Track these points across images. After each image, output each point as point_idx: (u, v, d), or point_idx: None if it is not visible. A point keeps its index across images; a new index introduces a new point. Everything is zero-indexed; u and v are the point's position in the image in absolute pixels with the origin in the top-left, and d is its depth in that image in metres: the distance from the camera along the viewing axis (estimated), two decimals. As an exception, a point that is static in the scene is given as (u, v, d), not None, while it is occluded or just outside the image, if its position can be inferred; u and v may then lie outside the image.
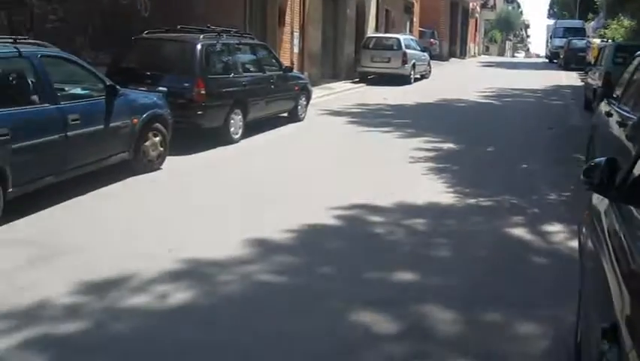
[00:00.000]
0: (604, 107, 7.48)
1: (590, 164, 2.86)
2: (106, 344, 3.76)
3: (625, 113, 6.15)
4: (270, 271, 4.91)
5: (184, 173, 8.14)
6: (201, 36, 10.21)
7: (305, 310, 4.28)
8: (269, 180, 7.84)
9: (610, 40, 21.14)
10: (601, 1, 50.03)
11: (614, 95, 7.29)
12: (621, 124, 6.05)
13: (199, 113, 9.60)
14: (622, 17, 37.33)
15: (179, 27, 10.87)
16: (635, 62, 7.17)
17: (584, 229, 3.42)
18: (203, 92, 9.59)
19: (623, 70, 8.27)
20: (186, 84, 9.61)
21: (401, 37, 23.67)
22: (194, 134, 9.69)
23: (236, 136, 10.37)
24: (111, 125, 7.33)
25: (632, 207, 2.57)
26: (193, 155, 9.15)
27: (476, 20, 57.81)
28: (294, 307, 4.30)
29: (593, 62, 18.16)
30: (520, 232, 6.07)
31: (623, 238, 2.43)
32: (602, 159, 2.83)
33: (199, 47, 9.84)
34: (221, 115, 10.00)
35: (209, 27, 10.95)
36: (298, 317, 4.16)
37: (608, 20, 41.07)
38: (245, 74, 11.05)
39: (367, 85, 21.53)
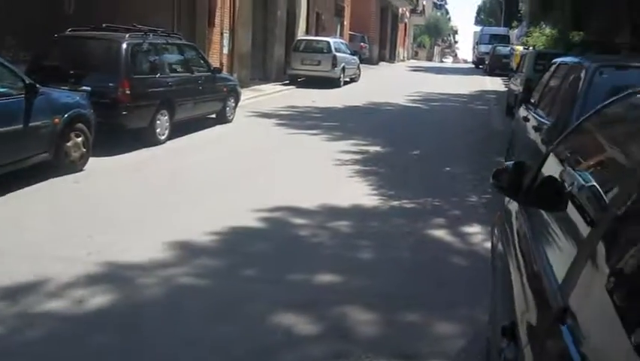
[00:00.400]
0: (522, 112, 7.73)
1: (499, 167, 2.95)
2: (18, 350, 3.64)
3: (540, 119, 6.37)
4: (192, 274, 4.87)
5: (107, 174, 7.98)
6: (127, 35, 10.02)
7: (226, 313, 4.26)
8: (194, 182, 7.76)
9: (531, 48, 21.82)
10: (525, 10, 51.67)
11: (532, 101, 7.55)
12: (537, 129, 6.26)
13: (124, 113, 9.42)
14: (544, 26, 38.70)
15: (104, 25, 10.64)
16: (552, 69, 7.44)
17: (495, 231, 3.54)
18: (128, 92, 9.41)
19: (542, 76, 8.57)
20: (111, 84, 9.41)
21: (331, 40, 23.85)
22: (119, 134, 9.51)
23: (163, 137, 10.23)
24: (30, 124, 7.11)
25: (537, 210, 2.67)
26: (117, 156, 8.98)
27: (405, 25, 58.81)
28: (215, 311, 4.28)
29: (515, 69, 18.77)
30: (441, 233, 6.21)
31: (527, 240, 2.53)
32: (511, 162, 2.93)
33: (124, 45, 9.66)
34: (147, 116, 9.85)
35: (135, 26, 10.77)
36: (218, 321, 4.14)
37: (530, 28, 42.48)
38: (172, 74, 10.92)
39: (297, 87, 21.59)
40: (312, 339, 3.96)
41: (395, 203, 7.17)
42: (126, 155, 9.14)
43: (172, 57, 11.32)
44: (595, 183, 2.18)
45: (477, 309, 4.37)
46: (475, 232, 6.22)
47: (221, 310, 4.30)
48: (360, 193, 7.48)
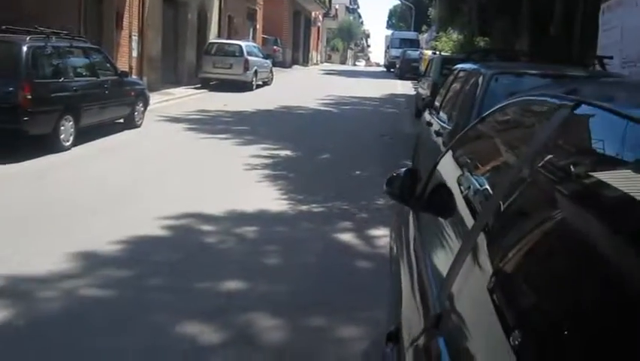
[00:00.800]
0: (426, 116, 7.95)
1: (392, 174, 3.04)
2: None
3: (442, 123, 6.58)
4: (96, 286, 4.76)
5: (7, 182, 7.68)
6: (28, 37, 9.68)
7: (130, 324, 4.18)
8: (98, 190, 7.58)
9: (439, 53, 22.47)
10: (434, 15, 53.15)
11: (435, 105, 7.78)
12: (438, 133, 6.46)
13: (25, 119, 9.10)
14: (451, 31, 39.91)
15: (3, 27, 10.23)
16: (453, 75, 7.69)
17: (392, 235, 3.64)
18: (29, 96, 9.10)
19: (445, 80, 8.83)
20: (10, 88, 9.07)
21: (243, 43, 23.79)
22: (21, 141, 9.18)
23: (67, 143, 9.94)
24: None
25: (429, 215, 2.77)
26: (18, 163, 8.65)
27: (319, 29, 59.31)
28: (119, 322, 4.20)
29: (423, 73, 19.27)
30: (348, 237, 6.31)
31: (416, 245, 2.63)
32: (403, 169, 3.02)
33: (25, 48, 9.33)
34: (50, 121, 9.55)
35: (37, 28, 10.41)
36: (122, 332, 4.06)
37: (439, 33, 43.72)
38: (77, 78, 10.60)
39: (209, 91, 21.42)
40: (217, 347, 3.95)
41: (303, 207, 7.23)
42: (28, 162, 8.82)
43: (76, 61, 11.00)
44: (487, 187, 2.28)
45: (380, 312, 4.47)
46: (381, 234, 6.35)
47: (125, 321, 4.22)
48: (269, 198, 7.50)
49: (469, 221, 2.13)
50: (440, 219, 2.57)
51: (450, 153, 3.08)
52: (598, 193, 1.37)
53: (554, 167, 1.64)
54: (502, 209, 1.81)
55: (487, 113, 2.77)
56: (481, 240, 1.80)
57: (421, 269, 2.34)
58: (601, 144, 1.52)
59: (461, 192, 2.46)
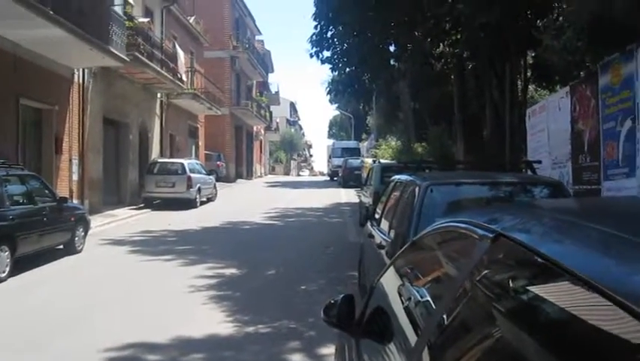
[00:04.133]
0: (368, 228, 8.03)
1: (330, 301, 3.02)
2: None
3: (382, 235, 6.65)
4: None
5: None
6: (-38, 169, 9.54)
7: None
8: (35, 323, 7.26)
9: (379, 160, 23.05)
10: (372, 124, 54.98)
11: (375, 216, 7.88)
12: (380, 246, 6.51)
13: (-43, 252, 8.81)
14: (390, 138, 41.24)
15: (-64, 159, 10.09)
16: (390, 186, 7.85)
17: (336, 357, 3.58)
18: (-39, 229, 8.85)
19: (383, 191, 9.00)
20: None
21: (185, 161, 23.94)
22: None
23: (3, 274, 9.62)
24: None
25: (368, 340, 2.74)
26: (-53, 300, 8.28)
27: (261, 142, 60.37)
28: None
29: (365, 181, 19.65)
30: (297, 358, 6.15)
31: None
32: (340, 296, 3.01)
33: (-42, 180, 9.16)
34: (-16, 253, 9.26)
35: (-28, 159, 10.30)
36: None
37: (379, 140, 45.11)
38: (13, 207, 10.41)
39: (152, 210, 21.29)
40: None
41: (250, 329, 7.06)
42: (-41, 298, 8.45)
43: (13, 189, 10.83)
44: (429, 298, 2.29)
45: None
46: (331, 353, 6.19)
47: None
48: (215, 321, 7.32)
49: (413, 339, 2.13)
50: (380, 344, 2.55)
51: (392, 270, 3.10)
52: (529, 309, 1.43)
53: (480, 291, 1.69)
54: (443, 327, 1.83)
55: (419, 235, 2.82)
56: (425, 356, 1.82)
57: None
58: (517, 274, 1.59)
59: (404, 309, 2.47)
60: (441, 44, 18.73)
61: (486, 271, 1.73)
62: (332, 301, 2.97)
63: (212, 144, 38.24)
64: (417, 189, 6.02)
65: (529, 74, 18.64)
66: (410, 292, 2.58)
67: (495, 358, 1.43)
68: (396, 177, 7.79)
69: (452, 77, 21.10)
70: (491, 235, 1.74)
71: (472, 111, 20.18)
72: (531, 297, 1.40)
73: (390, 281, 3.04)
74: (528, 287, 1.46)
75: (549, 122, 11.96)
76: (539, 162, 9.31)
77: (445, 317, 1.87)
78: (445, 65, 20.71)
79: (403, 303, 2.56)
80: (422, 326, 2.12)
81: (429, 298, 2.34)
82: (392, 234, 6.31)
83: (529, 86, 19.61)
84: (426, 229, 2.73)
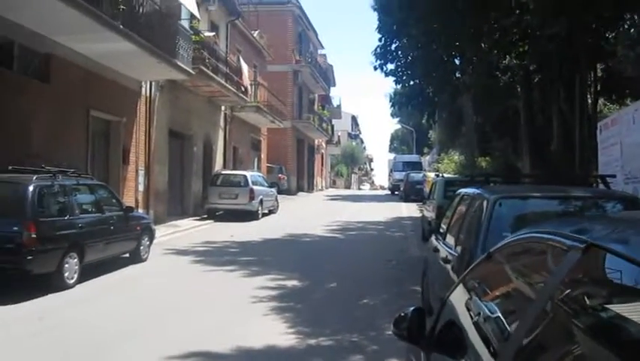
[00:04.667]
0: (433, 242, 7.87)
1: (400, 314, 2.93)
2: None
3: (448, 250, 6.49)
4: None
5: (5, 325, 7.48)
6: (34, 177, 9.83)
7: None
8: (100, 329, 7.37)
9: (442, 174, 22.74)
10: (434, 138, 54.47)
11: (440, 230, 7.71)
12: (445, 260, 6.36)
13: (29, 258, 9.07)
14: (452, 152, 40.73)
15: (10, 168, 10.42)
16: (456, 200, 7.67)
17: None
18: (34, 235, 9.11)
19: (449, 204, 8.81)
20: (15, 228, 9.10)
21: (248, 173, 24.16)
22: (24, 280, 9.09)
23: (72, 281, 9.83)
24: None
25: (439, 355, 2.64)
26: (20, 304, 8.50)
27: (322, 155, 60.50)
28: None
29: (428, 195, 19.41)
30: (358, 372, 6.05)
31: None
32: (411, 309, 2.91)
33: (31, 188, 9.45)
34: (55, 259, 9.50)
35: (43, 167, 10.61)
36: None
37: (441, 155, 44.62)
38: (82, 215, 10.66)
39: (215, 221, 21.52)
40: None
41: (312, 341, 6.99)
42: (30, 302, 8.66)
43: (82, 198, 11.12)
44: (499, 314, 2.18)
45: None
46: (393, 368, 6.10)
47: None
48: (277, 332, 7.28)
49: (485, 356, 2.03)
50: (452, 359, 2.44)
51: (461, 286, 2.98)
52: (619, 328, 1.29)
53: (573, 305, 1.56)
54: (524, 348, 1.71)
55: (495, 247, 2.69)
56: None
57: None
58: (615, 285, 1.46)
59: (474, 324, 2.36)
60: (507, 56, 18.40)
61: (576, 285, 1.61)
62: (402, 314, 2.88)
63: (274, 157, 38.56)
64: (485, 203, 5.86)
65: (598, 87, 18.12)
66: (485, 308, 2.46)
67: None
68: (463, 190, 7.61)
69: (518, 89, 20.67)
70: (582, 245, 1.61)
71: (538, 125, 19.72)
72: (631, 313, 1.27)
73: (462, 296, 2.92)
74: (627, 302, 1.32)
75: (622, 136, 11.51)
76: (613, 176, 8.96)
77: (526, 334, 1.74)
78: (512, 78, 20.33)
79: (475, 318, 2.45)
80: (497, 344, 2.01)
81: (505, 314, 2.22)
82: (459, 248, 6.15)
83: (599, 100, 19.06)
84: (504, 240, 2.60)
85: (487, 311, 2.34)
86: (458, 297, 2.96)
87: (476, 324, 2.42)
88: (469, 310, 2.67)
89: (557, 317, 1.63)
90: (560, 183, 8.95)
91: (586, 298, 1.52)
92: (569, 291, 1.63)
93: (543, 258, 2.06)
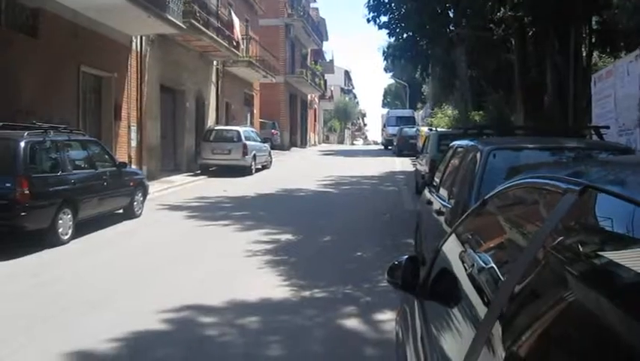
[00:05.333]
0: (426, 194, 7.89)
1: (394, 262, 2.94)
2: None
3: (442, 202, 6.50)
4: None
5: (1, 281, 7.52)
6: (26, 133, 9.74)
7: None
8: (96, 284, 7.42)
9: (435, 129, 22.67)
10: (428, 92, 54.22)
11: (434, 183, 7.72)
12: (439, 212, 6.38)
13: (22, 214, 9.07)
14: (446, 106, 40.58)
15: (1, 124, 10.33)
16: (450, 153, 7.66)
17: (397, 320, 3.50)
18: (27, 191, 9.08)
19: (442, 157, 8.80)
20: (7, 184, 9.06)
21: (241, 129, 24.06)
22: (18, 236, 9.11)
23: (66, 237, 9.85)
24: None
25: (433, 303, 2.65)
26: (14, 260, 8.54)
27: (315, 111, 60.25)
28: None
29: (421, 149, 19.39)
30: (353, 322, 6.11)
31: (423, 334, 2.50)
32: (404, 257, 2.92)
33: (22, 144, 9.37)
34: (48, 215, 9.49)
35: (34, 123, 10.52)
36: None
37: (434, 109, 44.45)
38: (75, 171, 10.62)
39: (208, 177, 21.51)
40: None
41: (306, 293, 7.06)
42: (24, 258, 8.69)
43: (74, 154, 11.04)
44: (493, 265, 2.18)
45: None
46: (387, 318, 6.15)
47: None
48: (271, 285, 7.34)
49: (480, 307, 2.03)
50: (446, 307, 2.45)
51: (453, 236, 2.98)
52: (612, 274, 1.29)
53: (566, 251, 1.56)
54: (516, 295, 1.71)
55: (489, 194, 2.68)
56: (497, 329, 1.69)
57: (428, 359, 2.22)
58: (610, 229, 1.45)
59: (468, 276, 2.36)
60: (502, 8, 18.18)
61: (572, 228, 1.60)
62: (396, 263, 2.89)
63: (266, 113, 38.37)
64: (478, 154, 5.85)
65: (593, 39, 17.98)
66: (479, 259, 2.47)
67: (583, 331, 1.29)
68: (456, 142, 7.59)
69: (513, 42, 20.50)
70: (578, 188, 1.59)
71: (531, 78, 19.61)
72: (626, 259, 1.25)
73: (456, 246, 2.93)
74: (622, 248, 1.30)
75: (617, 88, 11.48)
76: (607, 127, 8.93)
77: (519, 281, 1.74)
78: (506, 31, 20.12)
79: (469, 270, 2.45)
80: (490, 294, 2.01)
81: (499, 263, 2.22)
82: (452, 200, 6.17)
83: (593, 53, 18.93)
84: (499, 187, 2.59)
85: (480, 262, 2.35)
86: (451, 247, 2.97)
87: (470, 275, 2.42)
88: (462, 261, 2.68)
89: (551, 263, 1.63)
90: (553, 135, 8.95)
91: (580, 243, 1.51)
92: (563, 236, 1.62)
93: (538, 203, 2.06)
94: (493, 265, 2.21)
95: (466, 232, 2.94)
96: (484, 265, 2.27)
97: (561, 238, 1.62)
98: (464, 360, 1.80)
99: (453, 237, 3.01)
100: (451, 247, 2.92)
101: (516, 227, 2.32)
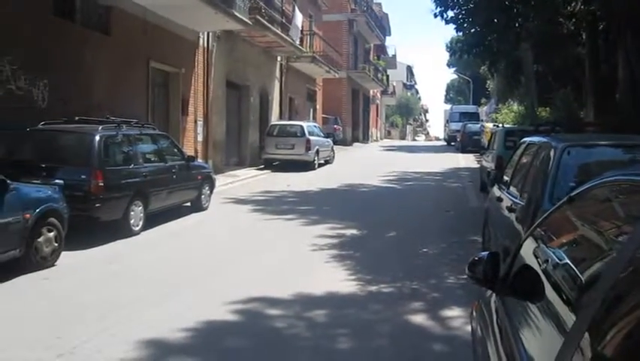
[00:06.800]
0: (495, 191, 7.78)
1: (474, 258, 2.93)
2: None
3: (513, 199, 6.41)
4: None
5: (79, 269, 7.81)
6: (100, 127, 10.06)
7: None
8: (167, 275, 7.62)
9: (501, 125, 22.29)
10: (492, 88, 53.28)
11: (504, 180, 7.61)
12: (510, 209, 6.28)
13: (97, 205, 9.37)
14: (511, 102, 39.78)
15: (77, 118, 10.70)
16: (521, 149, 7.53)
17: (474, 316, 3.48)
18: (101, 183, 9.38)
19: (512, 153, 8.66)
20: (83, 176, 9.38)
21: (304, 124, 24.19)
22: (93, 227, 9.42)
23: (137, 228, 10.13)
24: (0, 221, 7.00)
25: (513, 299, 2.63)
26: (90, 249, 8.84)
27: (377, 106, 60.02)
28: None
29: (486, 146, 19.09)
30: (420, 318, 6.10)
31: (506, 331, 2.48)
32: (485, 253, 2.90)
33: (97, 138, 9.68)
34: (121, 207, 9.78)
35: (108, 118, 10.85)
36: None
37: (499, 105, 43.63)
38: (146, 164, 10.89)
39: (272, 172, 21.73)
40: None
41: (372, 288, 7.07)
42: (99, 248, 8.99)
43: (145, 147, 11.33)
44: (573, 266, 2.15)
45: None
46: (455, 315, 6.13)
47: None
48: (337, 279, 7.38)
49: (563, 310, 1.99)
50: (530, 305, 2.43)
51: (536, 234, 2.94)
52: None
53: None
54: (609, 300, 1.66)
55: (576, 191, 2.63)
56: (586, 339, 1.65)
57: (515, 356, 2.20)
58: None
59: (548, 276, 2.33)
60: (573, 1, 17.69)
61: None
62: (477, 258, 2.88)
63: (329, 108, 38.45)
64: (552, 152, 5.74)
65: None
66: (555, 255, 2.43)
67: None
68: (528, 139, 7.45)
69: (583, 36, 19.93)
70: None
71: (602, 74, 19.03)
72: None
73: (534, 244, 2.89)
74: None
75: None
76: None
77: (612, 285, 1.68)
78: (575, 25, 19.57)
79: (546, 265, 2.42)
80: (569, 291, 1.98)
81: (580, 259, 2.19)
82: (524, 197, 6.07)
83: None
84: (588, 183, 2.53)
85: (559, 259, 2.31)
86: (530, 244, 2.93)
87: (545, 271, 2.39)
88: (537, 257, 2.65)
89: None
90: (626, 132, 8.68)
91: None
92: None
93: (630, 201, 2.01)
94: (570, 262, 2.18)
95: (547, 229, 2.89)
96: (561, 261, 2.24)
97: None
98: None
99: (535, 234, 2.97)
100: (530, 244, 2.89)
101: (604, 225, 2.27)
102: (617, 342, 1.50)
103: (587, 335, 1.65)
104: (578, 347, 1.66)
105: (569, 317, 1.90)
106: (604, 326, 1.61)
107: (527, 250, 2.88)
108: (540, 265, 2.51)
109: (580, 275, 2.04)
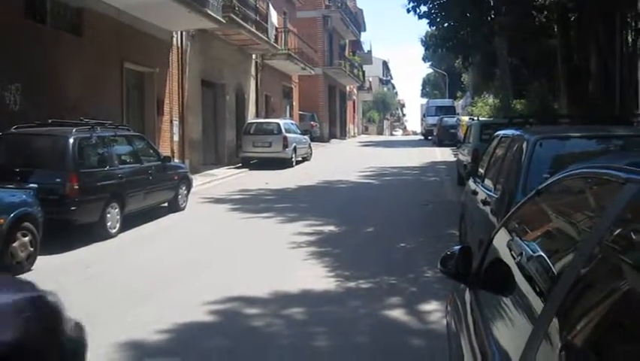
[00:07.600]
0: (471, 185, 7.84)
1: (447, 253, 2.96)
2: None
3: (487, 192, 6.46)
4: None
5: (55, 273, 7.71)
6: (74, 130, 9.97)
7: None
8: (144, 277, 7.58)
9: (476, 118, 22.43)
10: (467, 81, 53.62)
11: (478, 173, 7.67)
12: (484, 202, 6.34)
13: (72, 208, 9.30)
14: (487, 95, 40.07)
15: (50, 121, 10.59)
16: (494, 142, 7.59)
17: (449, 310, 3.52)
18: (76, 186, 9.31)
19: (487, 147, 8.72)
20: (58, 179, 9.30)
21: (281, 121, 24.15)
22: (69, 230, 9.34)
23: (114, 230, 10.06)
24: (-28, 229, 6.92)
25: (486, 292, 2.67)
26: (66, 253, 8.77)
27: (354, 102, 60.11)
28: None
29: (462, 139, 19.21)
30: (398, 313, 6.13)
31: (478, 323, 2.51)
32: (457, 247, 2.93)
33: (71, 140, 9.60)
34: (97, 209, 9.71)
35: (82, 120, 10.75)
36: None
37: (475, 98, 43.92)
38: (121, 166, 10.81)
39: (250, 170, 21.69)
40: None
41: (351, 284, 7.09)
42: (76, 251, 8.93)
43: (120, 149, 11.25)
44: (544, 255, 2.18)
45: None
46: (432, 309, 6.17)
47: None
48: (316, 276, 7.39)
49: (532, 296, 2.03)
50: (501, 297, 2.46)
51: (509, 227, 2.98)
52: None
53: (628, 243, 1.54)
54: (574, 288, 1.69)
55: (544, 184, 2.67)
56: (555, 323, 1.69)
57: (486, 350, 2.23)
58: None
59: (522, 269, 2.36)
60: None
61: (633, 219, 1.58)
62: (449, 253, 2.91)
63: (305, 104, 38.43)
64: (525, 144, 5.79)
65: (639, 24, 17.52)
66: (526, 246, 2.46)
67: None
68: (501, 132, 7.51)
69: (555, 28, 20.13)
70: (640, 178, 1.58)
71: (575, 65, 19.23)
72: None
73: (506, 236, 2.93)
74: None
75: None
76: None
77: (577, 274, 1.72)
78: (547, 17, 19.77)
79: (520, 257, 2.45)
80: (542, 284, 2.01)
81: (552, 253, 2.22)
82: (498, 190, 6.12)
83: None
84: (554, 176, 2.57)
85: (530, 251, 2.34)
86: (503, 237, 2.97)
87: (519, 264, 2.42)
88: (511, 250, 2.68)
89: (611, 255, 1.61)
90: (599, 123, 8.78)
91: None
92: (624, 227, 1.61)
93: (596, 193, 2.04)
94: (543, 254, 2.21)
95: (517, 220, 2.93)
96: (535, 254, 2.27)
97: (621, 229, 1.61)
98: (523, 353, 1.80)
99: (506, 232, 3.01)
100: (503, 237, 2.93)
101: (572, 217, 2.31)
102: (582, 329, 1.53)
103: (555, 319, 1.68)
104: (546, 334, 1.69)
105: (540, 309, 1.93)
106: (570, 312, 1.65)
107: (500, 242, 2.92)
108: (515, 258, 2.54)
109: (551, 266, 2.07)
